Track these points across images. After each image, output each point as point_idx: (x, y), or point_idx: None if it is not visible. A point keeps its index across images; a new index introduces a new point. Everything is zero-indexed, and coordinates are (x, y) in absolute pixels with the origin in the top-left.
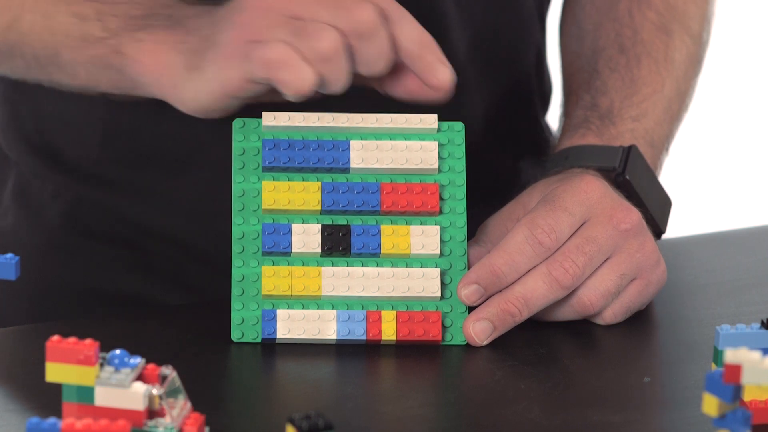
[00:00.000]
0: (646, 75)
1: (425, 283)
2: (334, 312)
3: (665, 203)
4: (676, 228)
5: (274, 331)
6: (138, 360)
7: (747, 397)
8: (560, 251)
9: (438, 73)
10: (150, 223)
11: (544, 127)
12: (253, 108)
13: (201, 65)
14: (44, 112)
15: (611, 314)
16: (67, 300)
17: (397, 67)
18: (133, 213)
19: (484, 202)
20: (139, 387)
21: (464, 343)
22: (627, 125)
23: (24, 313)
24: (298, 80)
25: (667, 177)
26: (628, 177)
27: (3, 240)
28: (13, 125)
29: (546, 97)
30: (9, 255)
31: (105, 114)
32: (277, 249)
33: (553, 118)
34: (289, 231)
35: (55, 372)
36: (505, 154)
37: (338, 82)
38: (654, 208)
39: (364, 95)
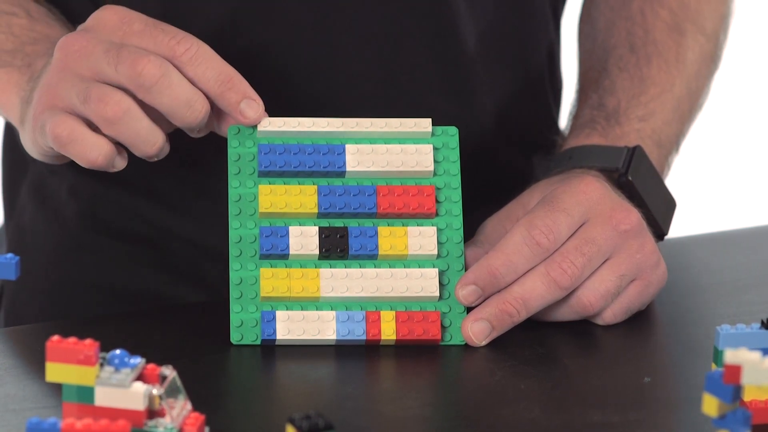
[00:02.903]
0: (655, 74)
1: (424, 283)
2: (334, 312)
3: (669, 205)
4: (676, 228)
5: (274, 332)
6: (138, 360)
7: (747, 397)
8: (559, 252)
9: (246, 109)
10: (165, 222)
11: (558, 126)
12: None
13: (24, 120)
14: None
15: (611, 315)
16: (84, 296)
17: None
18: (148, 211)
19: (495, 201)
20: (139, 387)
21: (463, 343)
22: (633, 125)
23: (40, 309)
24: (90, 153)
25: (668, 177)
26: (630, 178)
27: (21, 236)
28: None
29: (558, 94)
30: (9, 255)
31: None
32: (275, 251)
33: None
34: (287, 233)
35: (55, 372)
36: (517, 153)
37: (139, 143)
38: (657, 210)
39: (361, 99)
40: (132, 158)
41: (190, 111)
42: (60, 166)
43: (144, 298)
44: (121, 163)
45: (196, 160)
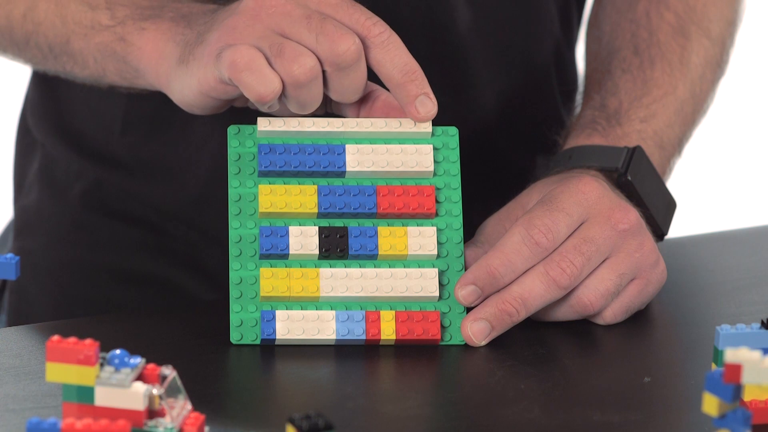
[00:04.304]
0: (658, 77)
1: (423, 283)
2: (333, 312)
3: (669, 205)
4: (676, 228)
5: (274, 332)
6: (138, 360)
7: (747, 396)
8: (557, 251)
9: (420, 106)
10: (167, 207)
11: (566, 126)
12: (247, 115)
13: (188, 60)
14: (69, 98)
15: (611, 314)
16: (85, 275)
17: (374, 94)
18: (151, 197)
19: (496, 199)
20: (139, 387)
21: (463, 343)
22: (634, 126)
23: (42, 287)
24: (261, 86)
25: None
26: (629, 178)
27: (26, 216)
28: (41, 108)
29: (571, 95)
30: (9, 255)
31: (125, 102)
32: (275, 251)
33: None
34: (287, 233)
35: (55, 372)
36: (520, 150)
37: (307, 107)
38: (657, 210)
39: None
40: (134, 145)
41: (354, 97)
42: (67, 152)
43: (143, 281)
44: (275, 107)
45: (199, 145)
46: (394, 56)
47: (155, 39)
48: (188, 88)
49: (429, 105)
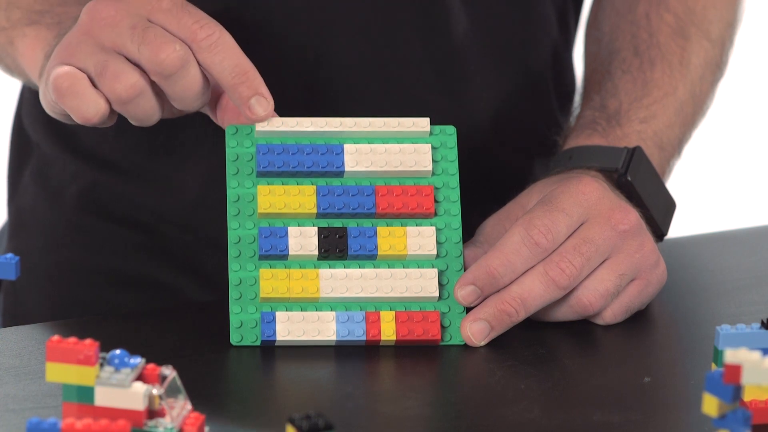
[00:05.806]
0: (659, 78)
1: (423, 283)
2: (333, 313)
3: (669, 206)
4: (676, 228)
5: (274, 333)
6: (138, 360)
7: (747, 397)
8: (557, 252)
9: (256, 106)
10: (162, 209)
11: (562, 128)
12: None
13: (42, 74)
14: None
15: (611, 314)
16: (81, 277)
17: (226, 96)
18: (146, 199)
19: (493, 200)
20: (139, 387)
21: (463, 343)
22: (634, 127)
23: (38, 288)
24: (85, 108)
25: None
26: (629, 178)
27: (21, 217)
28: (37, 108)
29: (568, 97)
30: (9, 255)
31: None
32: (275, 252)
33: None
34: (286, 234)
35: (55, 372)
36: (518, 153)
37: (141, 119)
38: (656, 211)
39: (353, 91)
40: (129, 147)
41: (195, 102)
42: (63, 154)
43: (140, 283)
44: (109, 123)
45: (193, 146)
46: (223, 58)
47: (32, 46)
48: (43, 102)
49: (264, 104)
